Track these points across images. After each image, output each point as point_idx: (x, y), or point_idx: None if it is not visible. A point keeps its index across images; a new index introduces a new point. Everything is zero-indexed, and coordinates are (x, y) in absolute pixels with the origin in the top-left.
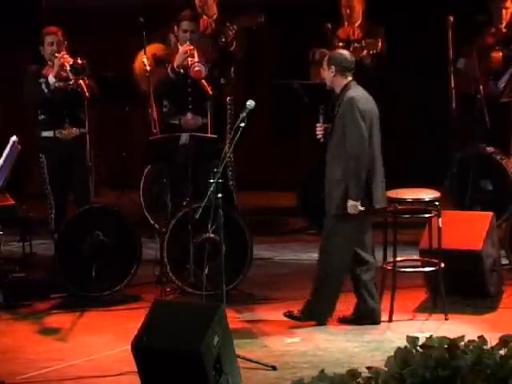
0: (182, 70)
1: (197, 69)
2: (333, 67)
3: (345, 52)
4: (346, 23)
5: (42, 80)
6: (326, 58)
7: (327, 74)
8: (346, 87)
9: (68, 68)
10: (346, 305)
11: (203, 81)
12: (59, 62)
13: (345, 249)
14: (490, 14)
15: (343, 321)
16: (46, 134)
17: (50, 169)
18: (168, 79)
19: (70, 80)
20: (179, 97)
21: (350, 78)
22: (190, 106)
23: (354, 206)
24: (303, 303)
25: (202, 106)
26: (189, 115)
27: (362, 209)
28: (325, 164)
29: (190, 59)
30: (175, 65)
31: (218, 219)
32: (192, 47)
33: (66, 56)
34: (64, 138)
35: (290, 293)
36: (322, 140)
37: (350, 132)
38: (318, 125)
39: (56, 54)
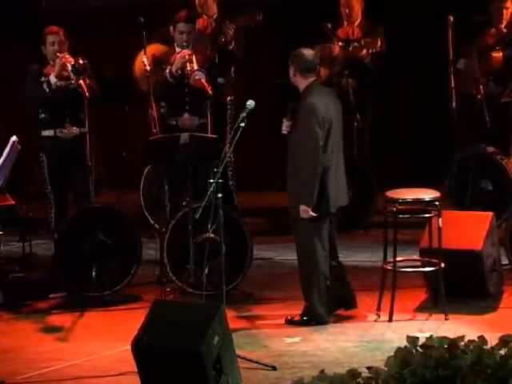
0: (179, 72)
1: (197, 77)
2: (292, 68)
3: (308, 52)
4: (345, 23)
5: (44, 79)
6: (290, 56)
7: (289, 73)
8: (306, 89)
9: (69, 68)
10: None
11: (203, 80)
12: (60, 62)
13: (318, 245)
14: (490, 14)
15: (290, 322)
16: (46, 133)
17: (50, 168)
18: (166, 82)
19: (71, 80)
20: (176, 97)
21: (311, 80)
22: (187, 107)
23: (304, 210)
24: (302, 307)
25: (199, 107)
26: (186, 115)
27: (314, 214)
28: None
29: (188, 65)
30: (173, 69)
31: (218, 219)
32: (190, 52)
33: (67, 56)
34: (64, 137)
35: (290, 293)
36: (286, 134)
37: (306, 139)
38: (284, 120)
39: (58, 54)
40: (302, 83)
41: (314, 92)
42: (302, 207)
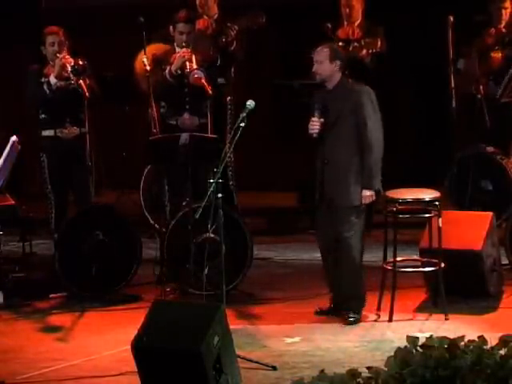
0: (179, 71)
1: (196, 76)
2: (337, 62)
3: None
4: (345, 23)
5: (44, 80)
6: (326, 52)
7: (328, 67)
8: (342, 82)
9: (69, 69)
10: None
11: (203, 81)
12: (60, 63)
13: (360, 239)
14: (490, 14)
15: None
16: (46, 133)
17: (50, 168)
18: (166, 82)
19: (71, 80)
20: (176, 97)
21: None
22: (187, 107)
23: (370, 196)
24: (330, 299)
25: (199, 107)
26: (186, 115)
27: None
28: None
29: (187, 64)
30: (173, 69)
31: (218, 219)
32: (189, 51)
33: (67, 57)
34: (65, 137)
35: (291, 293)
36: (314, 135)
37: (372, 122)
38: (314, 119)
39: (58, 55)
40: (338, 78)
41: (352, 83)
42: (367, 192)
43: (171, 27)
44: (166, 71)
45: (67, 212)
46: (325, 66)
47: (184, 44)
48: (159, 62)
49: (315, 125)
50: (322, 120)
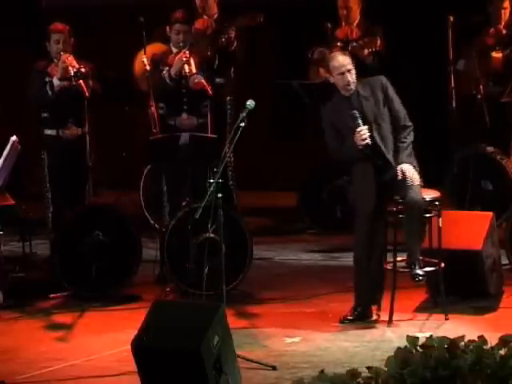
0: (178, 73)
1: (196, 81)
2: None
3: None
4: (343, 23)
5: (48, 80)
6: (349, 59)
7: (354, 72)
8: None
9: (71, 73)
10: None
11: (202, 80)
12: (63, 65)
13: None
14: (489, 14)
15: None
16: (49, 132)
17: (50, 166)
18: (165, 85)
19: (73, 80)
20: (174, 98)
21: None
22: (185, 107)
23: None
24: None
25: (197, 107)
26: (184, 116)
27: None
28: (326, 164)
29: (186, 67)
30: (172, 73)
31: (218, 219)
32: (187, 53)
33: (70, 59)
34: (67, 137)
35: (290, 293)
36: (369, 143)
37: (402, 106)
38: (361, 129)
39: (61, 53)
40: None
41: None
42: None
43: (168, 27)
44: (166, 74)
45: (65, 212)
46: (353, 71)
47: (181, 44)
48: (157, 63)
49: (363, 134)
50: (366, 126)
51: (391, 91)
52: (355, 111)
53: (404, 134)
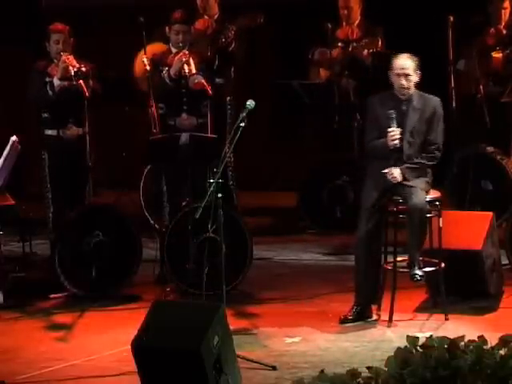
0: (178, 74)
1: (196, 81)
2: (417, 71)
3: None
4: (344, 23)
5: (48, 80)
6: (413, 63)
7: (414, 79)
8: (416, 91)
9: (72, 73)
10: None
11: (202, 81)
12: (63, 65)
13: None
14: (489, 14)
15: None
16: (49, 132)
17: (50, 166)
18: (165, 86)
19: (73, 80)
20: (174, 98)
21: None
22: (185, 107)
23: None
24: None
25: (197, 107)
26: (184, 116)
27: None
28: (326, 164)
29: (186, 67)
30: (172, 73)
31: (218, 219)
32: (187, 53)
33: (70, 58)
34: (67, 137)
35: (290, 293)
36: (398, 145)
37: (441, 136)
38: (393, 129)
39: (61, 53)
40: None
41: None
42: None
43: (167, 28)
44: (165, 75)
45: (65, 212)
46: (412, 78)
47: (180, 44)
48: (157, 63)
49: (396, 135)
50: (400, 129)
51: (438, 117)
52: (392, 111)
53: (425, 154)
